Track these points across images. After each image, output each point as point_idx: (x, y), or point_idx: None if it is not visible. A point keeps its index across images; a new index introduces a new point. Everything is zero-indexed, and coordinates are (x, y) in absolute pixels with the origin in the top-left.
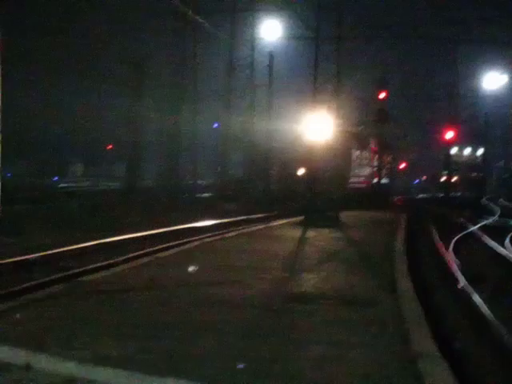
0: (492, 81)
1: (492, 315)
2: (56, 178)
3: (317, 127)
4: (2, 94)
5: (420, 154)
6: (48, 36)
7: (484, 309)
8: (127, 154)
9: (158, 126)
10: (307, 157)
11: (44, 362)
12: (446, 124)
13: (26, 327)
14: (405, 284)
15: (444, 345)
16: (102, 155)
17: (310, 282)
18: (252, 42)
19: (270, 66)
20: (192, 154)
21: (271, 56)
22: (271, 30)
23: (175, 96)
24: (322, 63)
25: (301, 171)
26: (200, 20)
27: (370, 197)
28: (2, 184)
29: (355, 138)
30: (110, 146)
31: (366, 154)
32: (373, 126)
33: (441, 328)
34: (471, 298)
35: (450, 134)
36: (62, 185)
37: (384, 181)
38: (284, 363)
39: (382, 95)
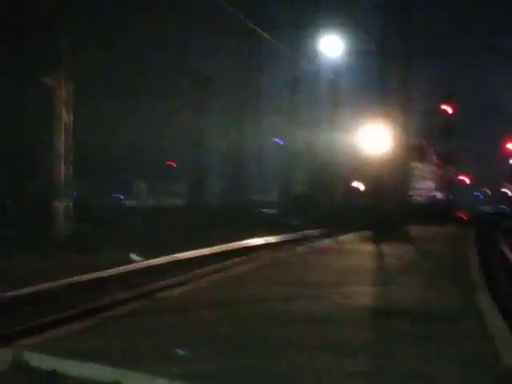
0: None
1: None
2: (121, 196)
3: (376, 140)
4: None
5: (485, 166)
6: (110, 53)
7: None
8: (191, 171)
9: (221, 142)
10: (367, 170)
11: (135, 380)
12: (509, 136)
13: (112, 344)
14: (485, 298)
15: None
16: (165, 172)
17: (389, 296)
18: (316, 57)
19: (334, 80)
20: (257, 169)
21: (335, 70)
22: (334, 45)
23: (239, 111)
24: (386, 76)
25: (361, 185)
26: (265, 35)
27: (433, 211)
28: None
29: (416, 150)
30: (173, 164)
31: (427, 167)
32: (437, 139)
33: None
34: None
35: None
36: (127, 202)
37: (446, 194)
38: (375, 379)
39: (449, 109)
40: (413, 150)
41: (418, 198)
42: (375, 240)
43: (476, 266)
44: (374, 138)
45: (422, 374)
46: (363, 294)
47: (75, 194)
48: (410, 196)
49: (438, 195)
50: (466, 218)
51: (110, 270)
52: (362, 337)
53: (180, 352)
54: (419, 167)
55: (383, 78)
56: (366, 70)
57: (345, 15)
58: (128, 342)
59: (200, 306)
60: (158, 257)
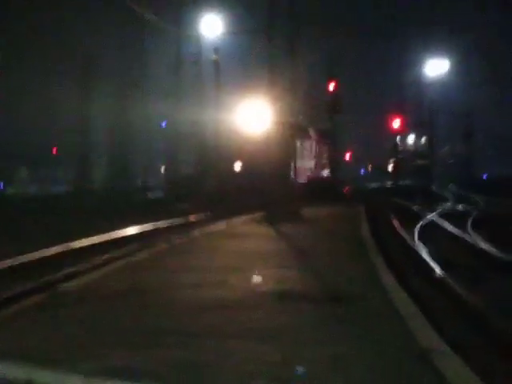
0: (434, 67)
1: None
2: (0, 184)
3: (256, 119)
4: None
5: (365, 143)
6: None
7: (469, 297)
8: (74, 157)
9: (105, 125)
10: (247, 150)
11: (49, 377)
12: (392, 112)
13: (20, 340)
14: (385, 275)
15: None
16: (48, 158)
17: (291, 278)
18: (198, 38)
19: (216, 61)
20: (142, 153)
21: (216, 50)
22: (215, 25)
23: (123, 93)
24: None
25: (241, 165)
26: (147, 15)
27: (317, 190)
28: None
29: (295, 128)
30: (55, 150)
31: (307, 144)
32: (321, 117)
33: (435, 318)
34: (451, 285)
35: (396, 123)
36: (8, 191)
37: (329, 172)
38: (294, 365)
39: (332, 86)
40: (292, 128)
41: (299, 178)
42: (268, 222)
43: (372, 244)
44: (254, 117)
45: (342, 356)
46: (268, 278)
47: None
48: (291, 176)
49: (321, 173)
50: (351, 195)
51: (2, 262)
52: (275, 322)
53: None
54: (297, 145)
55: (266, 56)
56: (250, 50)
57: None
58: (37, 337)
59: (104, 296)
60: (47, 247)
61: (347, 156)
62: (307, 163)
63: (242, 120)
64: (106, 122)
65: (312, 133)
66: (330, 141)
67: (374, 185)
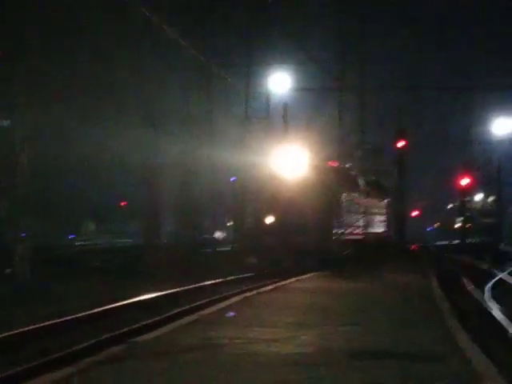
0: (502, 126)
1: None
2: (72, 236)
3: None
4: None
5: (432, 200)
6: (62, 89)
7: None
8: (145, 210)
9: (174, 180)
10: (283, 200)
11: None
12: (461, 170)
13: None
14: (461, 335)
15: None
16: (115, 210)
17: (365, 336)
18: (268, 94)
19: (285, 117)
20: (211, 208)
21: (285, 106)
22: (283, 83)
23: (191, 149)
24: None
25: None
26: (217, 69)
27: (371, 247)
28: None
29: (340, 175)
30: (124, 203)
31: (354, 196)
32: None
33: None
34: None
35: (465, 181)
36: (78, 243)
37: (386, 229)
38: None
39: (401, 143)
40: (336, 175)
41: (360, 236)
42: (337, 277)
43: (446, 304)
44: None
45: None
46: (340, 334)
47: (24, 235)
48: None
49: (373, 230)
50: (417, 254)
51: (81, 313)
52: (352, 380)
53: None
54: (346, 196)
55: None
56: (319, 106)
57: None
58: None
59: (181, 350)
60: (124, 299)
61: (414, 213)
62: (354, 218)
63: (280, 166)
64: (173, 177)
65: (362, 183)
66: (391, 196)
67: (441, 242)
